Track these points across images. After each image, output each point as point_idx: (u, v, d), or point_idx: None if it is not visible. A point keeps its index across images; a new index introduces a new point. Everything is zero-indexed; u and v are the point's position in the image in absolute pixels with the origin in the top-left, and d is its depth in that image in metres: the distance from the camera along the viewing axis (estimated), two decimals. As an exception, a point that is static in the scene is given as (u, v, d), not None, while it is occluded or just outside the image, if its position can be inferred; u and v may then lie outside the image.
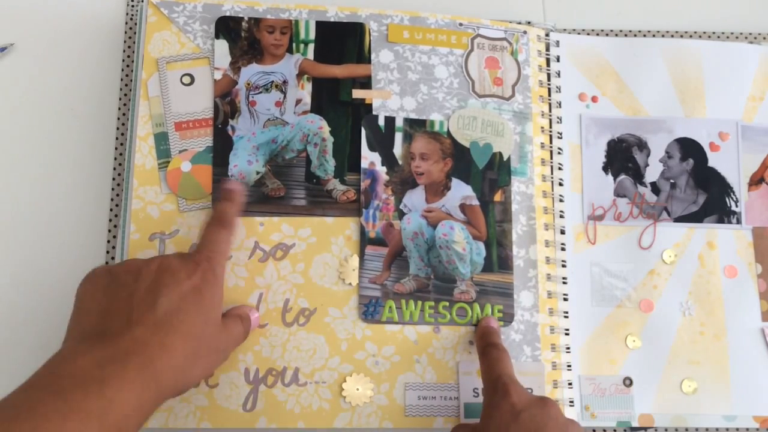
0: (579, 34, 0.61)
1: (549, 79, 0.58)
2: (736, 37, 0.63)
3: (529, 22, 0.60)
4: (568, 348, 0.53)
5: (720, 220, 0.57)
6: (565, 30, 0.61)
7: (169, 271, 0.41)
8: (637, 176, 0.58)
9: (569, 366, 0.53)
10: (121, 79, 0.57)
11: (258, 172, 0.53)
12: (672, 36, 0.63)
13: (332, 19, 0.56)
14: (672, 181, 0.58)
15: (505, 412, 0.42)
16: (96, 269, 0.42)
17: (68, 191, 0.55)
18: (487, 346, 0.48)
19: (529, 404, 0.42)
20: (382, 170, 0.54)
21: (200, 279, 0.42)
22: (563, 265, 0.55)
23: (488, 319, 0.52)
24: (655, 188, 0.57)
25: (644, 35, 0.63)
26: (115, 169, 0.55)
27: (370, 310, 0.51)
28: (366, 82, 0.55)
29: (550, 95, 0.58)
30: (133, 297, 0.40)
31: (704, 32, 0.63)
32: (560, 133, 0.58)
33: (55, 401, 0.33)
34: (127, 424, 0.35)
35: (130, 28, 0.58)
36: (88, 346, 0.37)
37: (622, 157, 0.58)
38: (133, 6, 0.59)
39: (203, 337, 0.41)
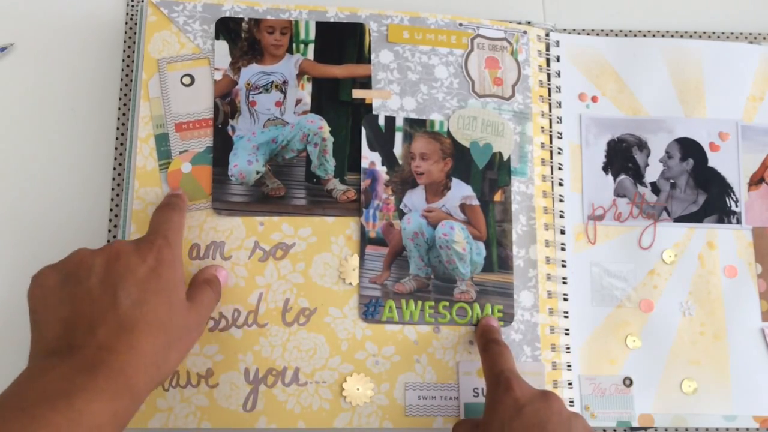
0: (579, 34, 0.61)
1: (549, 79, 0.58)
2: (736, 37, 0.63)
3: (529, 22, 0.60)
4: (568, 348, 0.53)
5: (720, 220, 0.57)
6: (565, 30, 0.61)
7: (121, 258, 0.39)
8: (637, 176, 0.58)
9: (569, 366, 0.53)
10: (121, 79, 0.57)
11: (258, 172, 0.53)
12: (672, 36, 0.63)
13: (332, 20, 0.56)
14: (672, 181, 0.58)
15: (508, 407, 0.42)
16: (41, 270, 0.40)
17: (68, 191, 0.55)
18: (489, 342, 0.48)
19: (533, 398, 0.42)
20: (382, 170, 0.54)
21: (155, 260, 0.40)
22: (563, 265, 0.55)
23: (488, 318, 0.52)
24: (655, 188, 0.57)
25: (644, 35, 0.63)
26: (115, 169, 0.55)
27: (370, 310, 0.51)
28: (366, 82, 0.55)
29: (550, 95, 0.58)
30: (90, 296, 0.38)
31: (704, 32, 0.63)
32: (560, 133, 0.58)
33: (22, 417, 0.32)
34: None
35: (130, 28, 0.59)
36: (53, 361, 0.35)
37: (622, 157, 0.58)
38: (133, 6, 0.59)
39: (171, 324, 0.39)
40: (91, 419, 0.33)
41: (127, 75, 0.57)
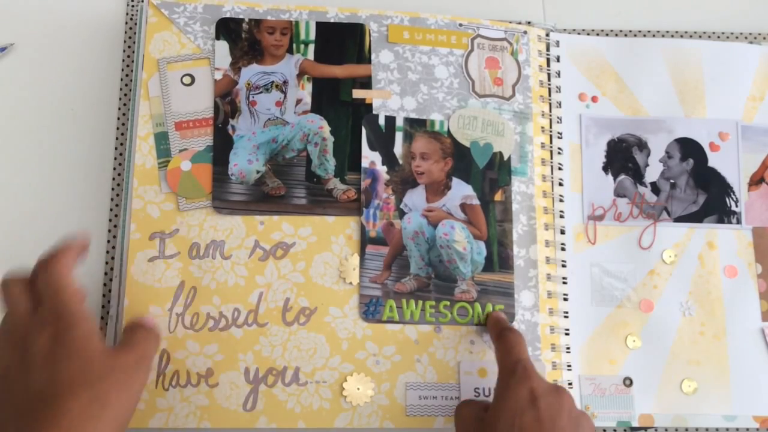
0: (579, 34, 0.61)
1: (549, 79, 0.58)
2: (736, 37, 0.63)
3: (529, 22, 0.61)
4: (568, 348, 0.53)
5: (720, 220, 0.57)
6: (565, 30, 0.61)
7: (18, 342, 0.38)
8: (637, 176, 0.58)
9: (569, 366, 0.53)
10: (121, 79, 0.57)
11: (258, 171, 0.53)
12: (672, 36, 0.63)
13: (332, 20, 0.56)
14: (672, 181, 0.58)
15: (522, 397, 0.42)
16: None
17: (68, 191, 0.55)
18: (504, 330, 0.49)
19: (547, 392, 0.43)
20: (382, 170, 0.54)
21: (53, 328, 0.39)
22: (563, 265, 0.55)
23: (497, 312, 0.52)
24: (655, 188, 0.58)
25: (644, 35, 0.63)
26: (115, 168, 0.55)
27: (370, 310, 0.51)
28: (366, 82, 0.55)
29: (550, 95, 0.58)
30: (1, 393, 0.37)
31: (704, 32, 0.63)
32: (560, 133, 0.58)
33: None
34: None
35: (130, 28, 0.59)
36: None
37: (622, 157, 0.58)
38: (133, 6, 0.59)
39: (93, 376, 0.38)
40: None
41: (127, 75, 0.57)
